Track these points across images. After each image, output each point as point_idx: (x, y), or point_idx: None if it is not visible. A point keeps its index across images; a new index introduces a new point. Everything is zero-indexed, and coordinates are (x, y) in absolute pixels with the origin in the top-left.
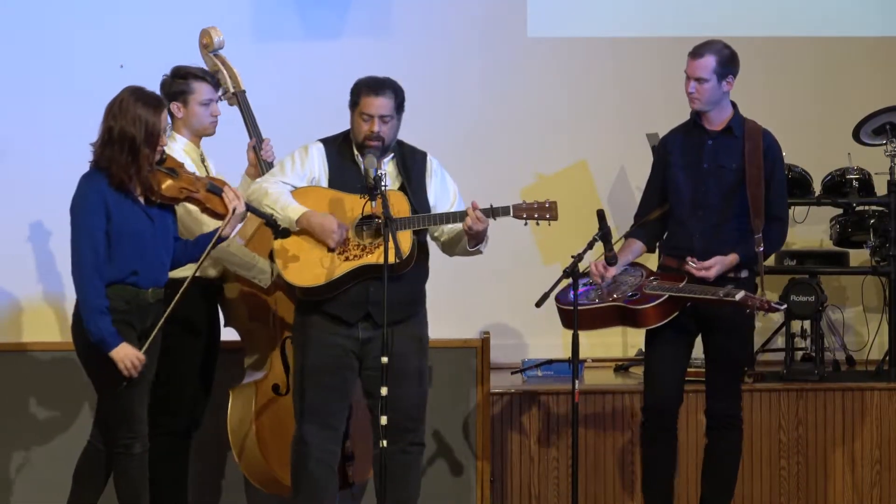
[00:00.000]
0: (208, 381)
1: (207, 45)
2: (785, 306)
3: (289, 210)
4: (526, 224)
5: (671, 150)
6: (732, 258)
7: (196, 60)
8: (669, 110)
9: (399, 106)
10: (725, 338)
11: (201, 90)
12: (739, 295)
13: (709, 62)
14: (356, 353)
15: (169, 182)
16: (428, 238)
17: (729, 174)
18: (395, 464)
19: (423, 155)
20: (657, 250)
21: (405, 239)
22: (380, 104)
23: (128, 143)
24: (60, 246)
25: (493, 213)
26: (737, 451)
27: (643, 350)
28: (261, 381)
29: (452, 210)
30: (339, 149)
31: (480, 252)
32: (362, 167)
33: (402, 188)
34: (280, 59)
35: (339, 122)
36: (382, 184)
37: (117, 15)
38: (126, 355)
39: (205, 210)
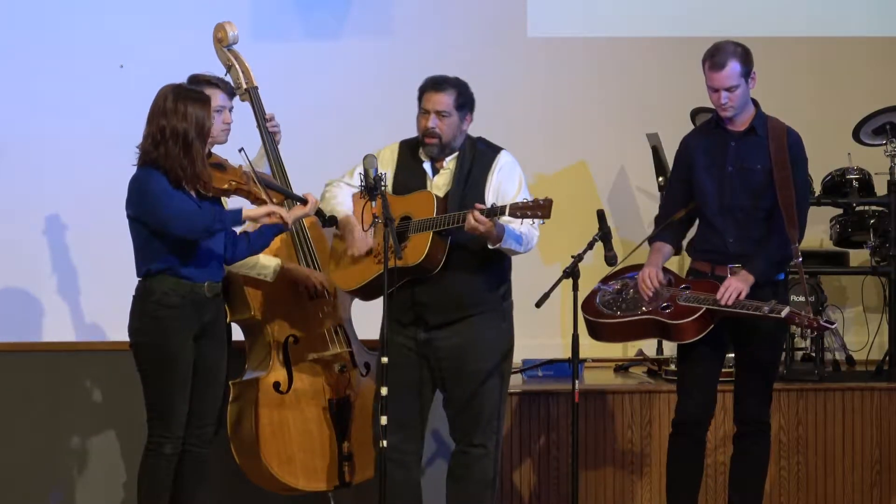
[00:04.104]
0: (225, 381)
1: (222, 40)
2: (835, 325)
3: (334, 213)
4: (521, 223)
5: (693, 152)
6: (746, 277)
7: (196, 61)
8: (669, 110)
9: (462, 104)
10: (759, 346)
11: (214, 97)
12: (785, 312)
13: (735, 68)
14: (419, 353)
15: (217, 175)
16: None
17: (755, 175)
18: (455, 464)
19: (496, 152)
20: (683, 252)
21: (422, 241)
22: (437, 99)
23: (181, 139)
24: (59, 244)
25: (491, 212)
26: (767, 457)
27: (642, 351)
28: (262, 378)
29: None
30: (411, 149)
31: (512, 251)
32: (425, 166)
33: (450, 190)
34: (280, 60)
35: (339, 122)
36: (382, 184)
37: (117, 15)
38: (260, 211)
39: (255, 201)
